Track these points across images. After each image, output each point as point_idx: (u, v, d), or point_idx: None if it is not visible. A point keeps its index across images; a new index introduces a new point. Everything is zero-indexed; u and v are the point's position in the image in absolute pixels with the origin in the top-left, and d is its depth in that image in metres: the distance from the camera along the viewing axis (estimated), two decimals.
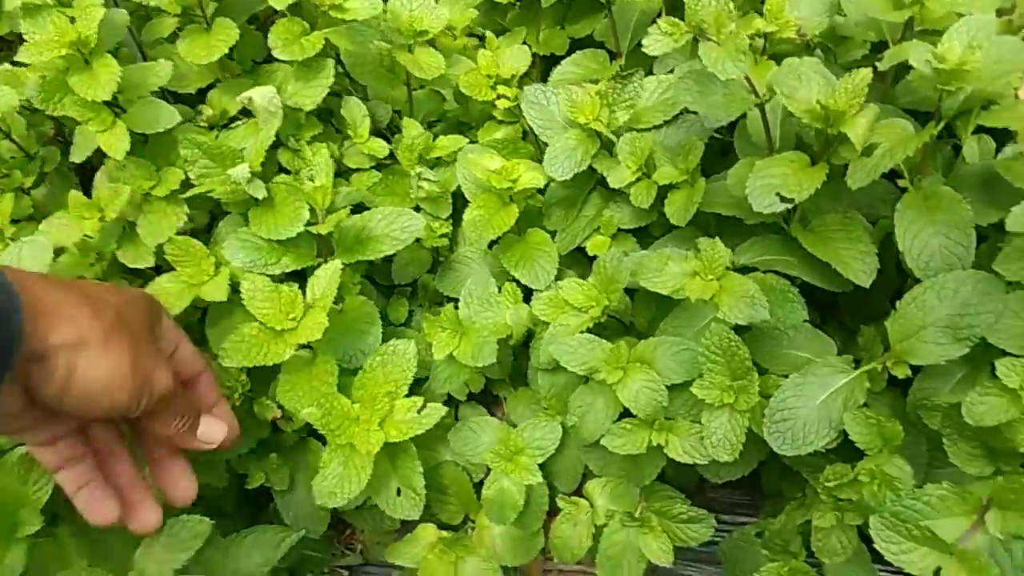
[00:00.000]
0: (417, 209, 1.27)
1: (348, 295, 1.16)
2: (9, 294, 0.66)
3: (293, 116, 1.18)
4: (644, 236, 1.22)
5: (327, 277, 1.01)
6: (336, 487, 1.01)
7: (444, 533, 1.12)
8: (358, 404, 1.01)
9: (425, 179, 1.21)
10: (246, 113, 1.18)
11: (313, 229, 1.04)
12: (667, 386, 1.00)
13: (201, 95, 1.22)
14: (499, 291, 1.15)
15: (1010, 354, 0.89)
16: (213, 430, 0.93)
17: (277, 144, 1.19)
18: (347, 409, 1.00)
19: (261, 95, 1.13)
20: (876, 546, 0.86)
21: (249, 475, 1.17)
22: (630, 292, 1.18)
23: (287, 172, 1.19)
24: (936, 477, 0.94)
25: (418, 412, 1.02)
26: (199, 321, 1.13)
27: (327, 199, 1.04)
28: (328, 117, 1.30)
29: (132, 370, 0.74)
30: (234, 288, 1.05)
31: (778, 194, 0.94)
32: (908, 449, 1.00)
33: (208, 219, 1.20)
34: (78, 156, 1.05)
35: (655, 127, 1.17)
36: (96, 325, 0.73)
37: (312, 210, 1.07)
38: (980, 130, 1.09)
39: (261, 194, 1.05)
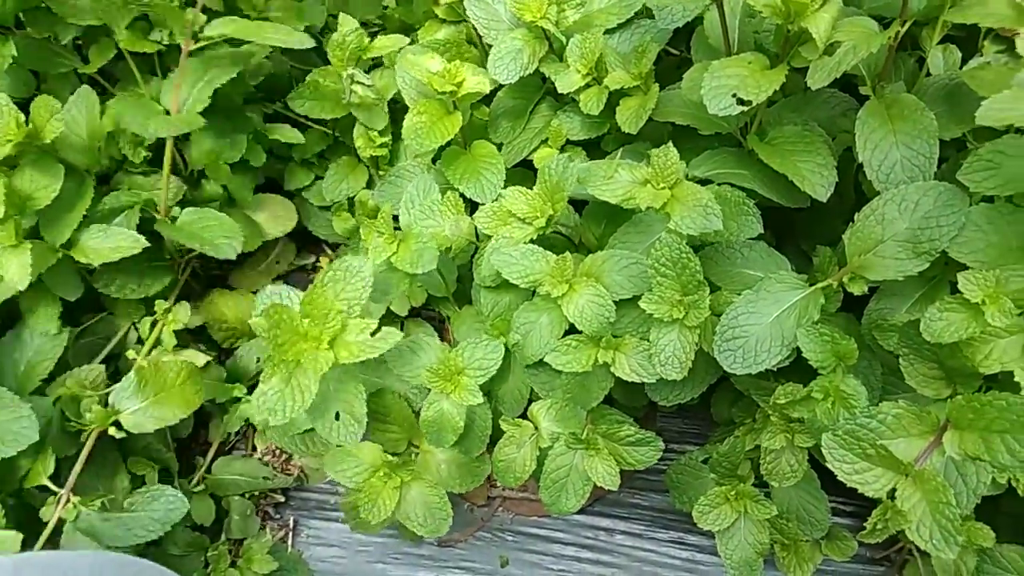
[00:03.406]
0: (350, 117, 1.20)
1: None
2: None
3: None
4: (595, 151, 1.16)
5: None
6: (276, 404, 0.93)
7: (389, 456, 1.06)
8: (308, 320, 0.93)
9: (359, 82, 1.12)
10: None
11: None
12: (615, 301, 0.95)
13: None
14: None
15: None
16: None
17: None
18: (296, 323, 0.92)
19: None
20: (829, 465, 0.82)
21: None
22: (579, 209, 1.13)
23: None
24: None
25: (371, 335, 0.94)
26: None
27: None
28: None
29: None
30: None
31: (735, 95, 0.88)
32: (861, 374, 0.97)
33: None
34: None
35: (608, 31, 1.09)
36: None
37: None
38: (946, 40, 1.05)
39: None
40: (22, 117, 1.01)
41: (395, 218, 1.09)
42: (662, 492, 1.30)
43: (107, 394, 1.10)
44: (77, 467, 1.06)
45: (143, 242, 1.08)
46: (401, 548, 1.29)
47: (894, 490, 0.82)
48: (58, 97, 1.06)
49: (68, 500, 1.04)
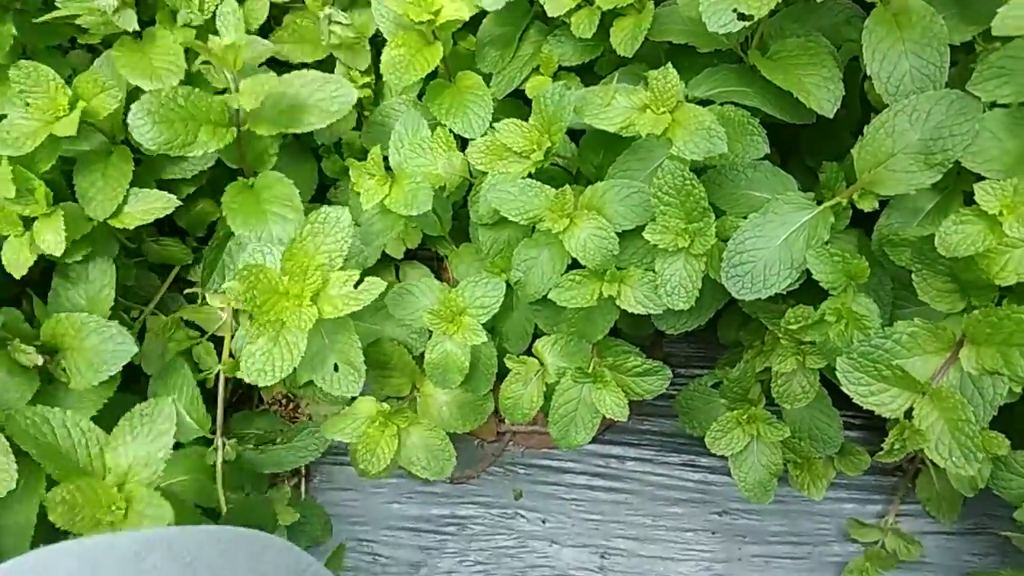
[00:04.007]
0: (331, 59, 1.15)
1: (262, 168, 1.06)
2: None
3: None
4: (589, 76, 1.11)
5: None
6: (266, 365, 0.91)
7: (384, 405, 1.04)
8: (287, 277, 0.91)
9: (336, 22, 1.07)
10: None
11: (229, 100, 0.91)
12: (617, 233, 0.92)
13: None
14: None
15: (985, 179, 0.82)
16: None
17: None
18: (275, 282, 0.90)
19: None
20: (844, 388, 0.81)
21: None
22: (576, 139, 1.09)
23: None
24: (901, 318, 0.89)
25: (354, 287, 0.91)
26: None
27: (239, 60, 0.90)
28: None
29: None
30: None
31: (735, 10, 0.84)
32: (872, 291, 0.95)
33: None
34: None
35: None
36: None
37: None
38: None
39: (132, 25, 0.91)
40: (70, 92, 0.96)
41: (385, 159, 1.05)
42: (671, 417, 1.30)
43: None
44: (219, 412, 1.09)
45: (175, 201, 1.05)
46: (415, 487, 1.30)
47: (911, 409, 0.81)
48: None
49: (225, 445, 1.08)
